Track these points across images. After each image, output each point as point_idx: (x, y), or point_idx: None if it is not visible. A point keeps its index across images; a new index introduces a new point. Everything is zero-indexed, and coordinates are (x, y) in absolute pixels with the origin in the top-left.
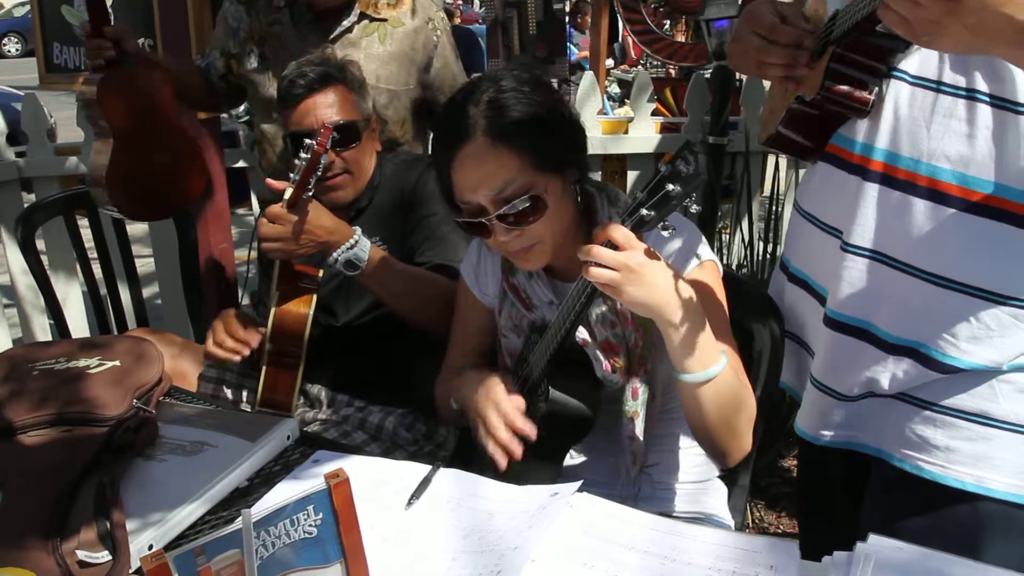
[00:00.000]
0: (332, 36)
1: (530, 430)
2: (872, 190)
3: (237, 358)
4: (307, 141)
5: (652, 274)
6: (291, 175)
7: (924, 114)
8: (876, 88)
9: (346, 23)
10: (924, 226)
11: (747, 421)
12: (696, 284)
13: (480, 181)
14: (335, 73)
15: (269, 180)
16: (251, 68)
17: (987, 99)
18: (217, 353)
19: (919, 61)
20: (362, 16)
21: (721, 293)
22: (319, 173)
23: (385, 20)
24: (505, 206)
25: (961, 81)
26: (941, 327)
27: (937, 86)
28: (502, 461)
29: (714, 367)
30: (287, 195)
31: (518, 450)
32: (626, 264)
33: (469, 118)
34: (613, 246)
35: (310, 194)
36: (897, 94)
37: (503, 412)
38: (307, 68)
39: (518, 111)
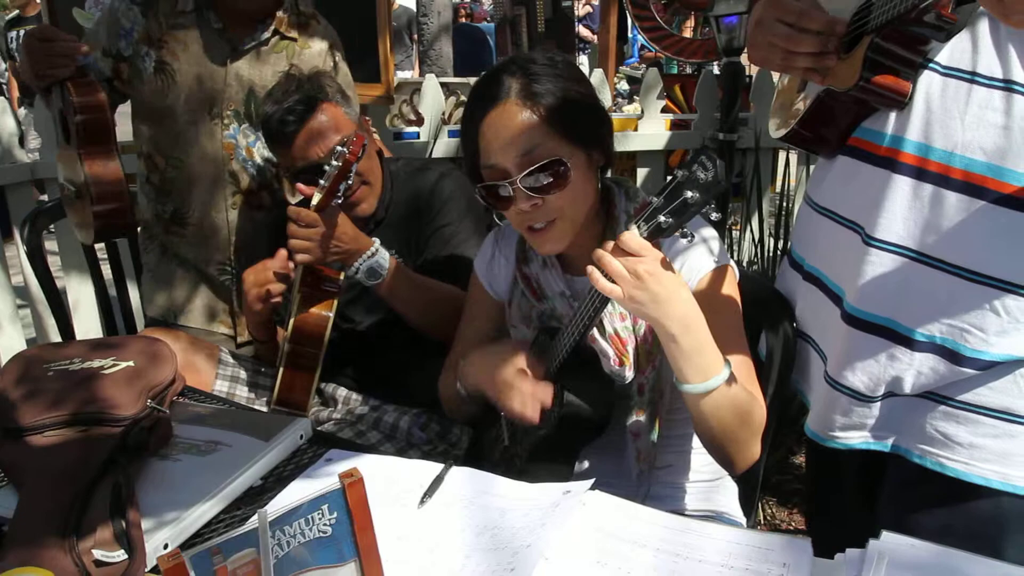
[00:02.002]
0: (245, 47)
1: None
2: (902, 183)
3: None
4: (338, 149)
5: (657, 284)
6: (320, 181)
7: (958, 105)
8: (911, 79)
9: (261, 37)
10: (956, 219)
11: (753, 432)
12: (709, 289)
13: (508, 141)
14: (317, 93)
15: (299, 184)
16: (147, 73)
17: (1023, 89)
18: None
19: (949, 51)
20: (275, 32)
21: (736, 298)
22: (349, 182)
23: (295, 40)
24: (529, 168)
25: (997, 72)
26: (969, 321)
27: (972, 77)
28: (534, 414)
29: (714, 379)
30: (315, 200)
31: (547, 395)
32: (634, 270)
33: (503, 83)
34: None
35: (339, 202)
36: (928, 85)
37: (516, 362)
38: (288, 101)
39: (552, 81)
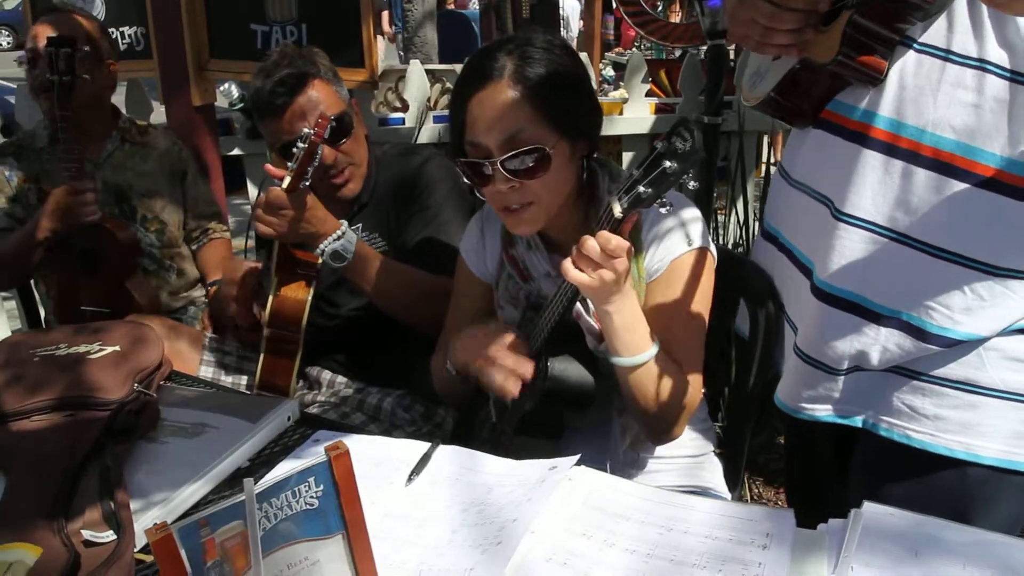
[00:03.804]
0: (100, 160)
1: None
2: (872, 158)
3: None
4: (305, 131)
5: (617, 285)
6: (288, 164)
7: (931, 83)
8: (888, 56)
9: (110, 147)
10: (925, 196)
11: (675, 412)
12: (680, 272)
13: (494, 122)
14: (310, 69)
15: (268, 166)
16: (34, 203)
17: (996, 70)
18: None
19: (925, 28)
20: (123, 140)
21: (708, 282)
22: (316, 163)
23: (144, 144)
24: (511, 152)
25: (971, 51)
26: (935, 298)
27: (946, 55)
28: (515, 388)
29: (641, 356)
30: (286, 183)
31: (529, 370)
32: (603, 278)
33: (497, 61)
34: None
35: (307, 184)
36: (903, 61)
37: (501, 341)
38: (282, 72)
39: (546, 67)
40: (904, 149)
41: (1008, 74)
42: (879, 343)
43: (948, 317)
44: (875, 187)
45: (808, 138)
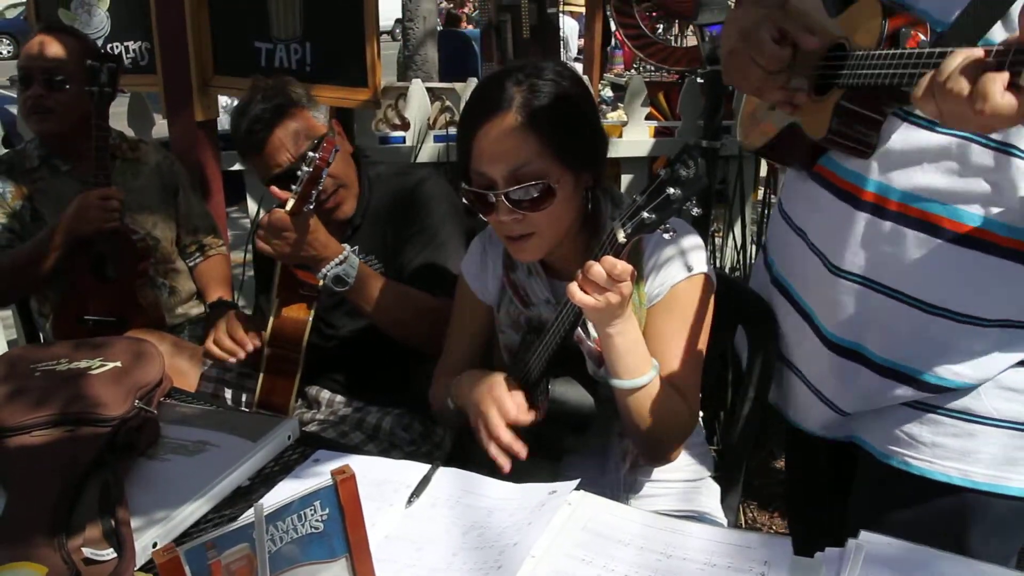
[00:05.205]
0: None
1: (531, 419)
2: (863, 219)
3: (233, 359)
4: (310, 155)
5: (621, 309)
6: (292, 187)
7: (918, 150)
8: (876, 131)
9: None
10: (914, 255)
11: (672, 435)
12: (679, 299)
13: (500, 154)
14: (285, 101)
15: (273, 188)
16: (26, 221)
17: (979, 139)
18: (214, 351)
19: None
20: (113, 157)
21: (706, 308)
22: (320, 187)
23: (135, 160)
24: (516, 185)
25: None
26: (931, 351)
27: (931, 124)
28: (505, 463)
29: (641, 378)
30: (289, 205)
31: (522, 450)
32: (609, 302)
33: (506, 91)
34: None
35: (311, 207)
36: (892, 129)
37: (505, 411)
38: (256, 108)
39: (554, 100)
40: (893, 211)
41: (992, 143)
42: (883, 391)
43: (943, 368)
44: (867, 245)
45: (805, 186)
